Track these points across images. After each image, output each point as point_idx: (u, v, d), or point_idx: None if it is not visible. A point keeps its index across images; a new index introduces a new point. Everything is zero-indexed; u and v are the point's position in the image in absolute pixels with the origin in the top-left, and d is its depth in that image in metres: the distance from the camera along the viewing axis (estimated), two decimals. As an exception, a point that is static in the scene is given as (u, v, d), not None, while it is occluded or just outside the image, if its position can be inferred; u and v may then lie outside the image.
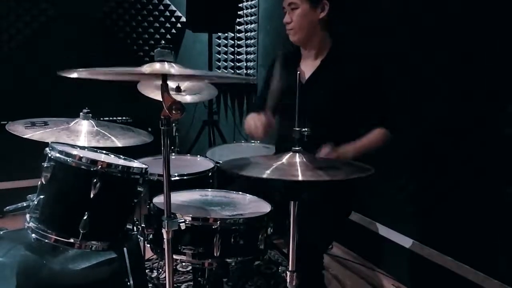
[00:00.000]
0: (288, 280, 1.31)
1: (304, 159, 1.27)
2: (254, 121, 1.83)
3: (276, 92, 1.80)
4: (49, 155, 1.49)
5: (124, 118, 3.51)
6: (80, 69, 1.23)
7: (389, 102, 1.88)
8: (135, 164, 1.66)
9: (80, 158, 1.45)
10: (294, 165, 1.24)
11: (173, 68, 1.26)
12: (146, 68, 1.26)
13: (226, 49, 3.86)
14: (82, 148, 1.66)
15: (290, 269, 1.30)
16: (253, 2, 3.54)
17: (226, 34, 3.82)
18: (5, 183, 3.25)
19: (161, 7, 3.88)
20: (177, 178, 1.94)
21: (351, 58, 1.86)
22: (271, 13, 3.38)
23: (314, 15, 1.82)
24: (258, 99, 2.23)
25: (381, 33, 2.39)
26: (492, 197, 1.94)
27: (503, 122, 1.88)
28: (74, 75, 1.25)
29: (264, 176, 1.18)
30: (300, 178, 1.18)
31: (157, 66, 1.26)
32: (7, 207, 1.64)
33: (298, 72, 1.40)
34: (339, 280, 2.50)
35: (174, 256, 1.38)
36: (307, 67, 1.91)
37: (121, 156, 1.72)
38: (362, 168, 1.31)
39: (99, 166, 1.44)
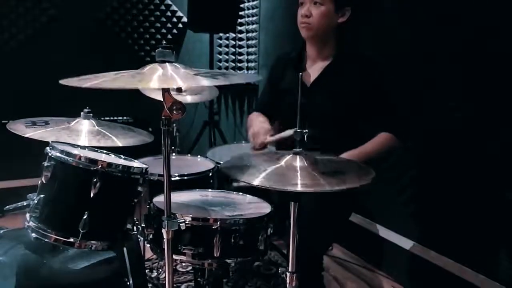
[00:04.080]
0: (288, 281, 1.31)
1: (305, 163, 1.26)
2: (257, 128, 1.85)
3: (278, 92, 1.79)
4: (50, 155, 1.49)
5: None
6: (83, 77, 1.22)
7: (395, 106, 1.86)
8: (136, 164, 1.66)
9: (80, 157, 1.45)
10: (294, 170, 1.23)
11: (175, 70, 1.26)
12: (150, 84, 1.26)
13: (227, 49, 3.87)
14: (83, 147, 1.66)
15: (290, 270, 1.30)
16: (254, 2, 3.54)
17: (228, 34, 3.82)
18: (6, 182, 3.25)
19: (163, 7, 3.88)
20: (177, 178, 1.93)
21: (356, 62, 1.84)
22: (272, 13, 3.38)
23: (334, 18, 1.80)
24: (259, 102, 2.22)
25: (385, 35, 2.39)
26: (493, 199, 1.94)
27: (504, 124, 1.88)
28: (75, 84, 1.23)
29: (257, 183, 1.17)
30: (299, 188, 1.16)
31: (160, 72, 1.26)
32: (7, 206, 1.65)
33: (300, 74, 1.39)
34: (339, 281, 2.50)
35: (174, 256, 1.38)
36: (313, 69, 1.89)
37: (122, 155, 1.71)
38: (365, 170, 1.30)
39: (100, 166, 1.44)
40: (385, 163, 2.34)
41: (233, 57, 3.84)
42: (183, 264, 2.42)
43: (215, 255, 1.41)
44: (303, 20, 1.81)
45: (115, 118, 3.45)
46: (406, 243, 2.40)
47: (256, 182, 1.18)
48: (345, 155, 1.71)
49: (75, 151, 1.55)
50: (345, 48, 1.89)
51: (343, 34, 1.88)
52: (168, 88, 1.22)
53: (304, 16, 1.80)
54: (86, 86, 1.19)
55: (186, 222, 1.35)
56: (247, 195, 1.72)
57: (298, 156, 1.28)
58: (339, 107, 1.80)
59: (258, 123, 1.92)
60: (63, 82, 1.22)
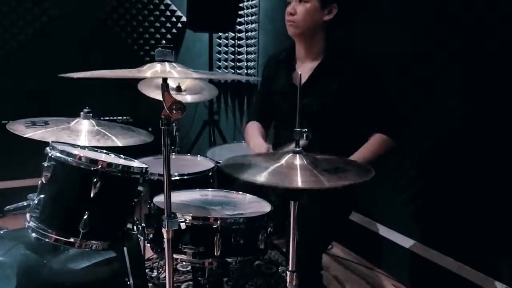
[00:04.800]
0: (288, 280, 1.31)
1: (305, 161, 1.26)
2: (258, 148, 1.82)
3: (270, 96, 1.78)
4: (50, 155, 1.49)
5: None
6: (81, 73, 1.23)
7: (390, 106, 1.85)
8: (136, 163, 1.66)
9: (81, 157, 1.45)
10: (295, 168, 1.23)
11: (174, 69, 1.27)
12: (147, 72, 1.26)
13: (226, 49, 3.87)
14: (83, 147, 1.66)
15: (290, 269, 1.30)
16: (253, 2, 3.54)
17: (227, 34, 3.82)
18: (6, 182, 3.26)
19: (162, 7, 3.88)
20: (177, 177, 1.94)
21: (348, 61, 1.82)
22: (271, 13, 3.38)
23: (320, 15, 1.78)
24: (254, 108, 2.21)
25: (380, 34, 2.39)
26: (493, 197, 1.94)
27: (504, 123, 1.88)
28: (74, 76, 1.25)
29: (260, 180, 1.17)
30: (299, 184, 1.16)
31: (157, 67, 1.26)
32: (8, 207, 1.65)
33: (300, 73, 1.39)
34: (339, 280, 2.50)
35: (174, 256, 1.38)
36: (303, 70, 1.84)
37: (122, 155, 1.72)
38: (365, 169, 1.30)
39: (100, 166, 1.44)
40: (385, 164, 2.34)
41: (233, 57, 3.84)
42: (184, 263, 2.42)
43: (215, 254, 1.41)
44: (289, 17, 1.79)
45: (115, 118, 3.45)
46: (406, 242, 2.40)
47: (260, 180, 1.17)
48: None
49: (75, 151, 1.55)
50: (335, 46, 1.86)
51: (332, 32, 1.86)
52: (168, 88, 1.22)
53: (289, 13, 1.78)
54: (85, 77, 1.19)
55: (187, 222, 1.35)
56: (247, 195, 1.73)
57: (298, 155, 1.28)
58: (332, 107, 1.79)
59: (256, 141, 1.89)
60: (62, 75, 1.22)
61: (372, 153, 1.77)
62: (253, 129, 2.01)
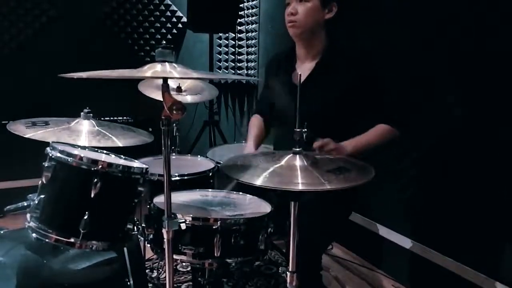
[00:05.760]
0: (288, 281, 1.31)
1: (305, 162, 1.26)
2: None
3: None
4: (50, 155, 1.49)
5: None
6: (81, 73, 1.23)
7: (391, 100, 1.84)
8: (136, 164, 1.66)
9: (81, 158, 1.45)
10: (295, 170, 1.23)
11: (174, 69, 1.27)
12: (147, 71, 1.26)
13: (227, 50, 3.87)
14: (83, 148, 1.66)
15: (290, 269, 1.30)
16: (254, 2, 3.54)
17: (227, 35, 3.82)
18: (6, 183, 3.26)
19: (162, 7, 3.88)
20: (177, 178, 1.94)
21: (347, 59, 1.82)
22: (272, 14, 3.38)
23: (321, 14, 1.79)
24: (259, 102, 2.22)
25: (380, 33, 2.39)
26: (493, 197, 1.94)
27: (504, 123, 1.88)
28: (74, 76, 1.25)
29: (258, 183, 1.17)
30: (300, 187, 1.16)
31: (158, 67, 1.26)
32: (8, 207, 1.65)
33: (299, 73, 1.39)
34: (339, 280, 2.50)
35: (174, 256, 1.38)
36: (303, 69, 1.86)
37: (122, 156, 1.72)
38: (366, 168, 1.30)
39: (100, 166, 1.44)
40: (385, 164, 2.34)
41: (233, 57, 3.84)
42: (184, 264, 2.43)
43: (215, 255, 1.41)
44: (290, 18, 1.79)
45: (115, 118, 3.45)
46: (406, 242, 2.40)
47: (258, 182, 1.17)
48: (340, 144, 1.69)
49: (76, 151, 1.55)
50: (335, 46, 1.85)
51: (332, 31, 1.86)
52: (168, 88, 1.22)
53: (290, 14, 1.79)
54: (85, 77, 1.20)
55: (187, 222, 1.35)
56: (247, 195, 1.73)
57: (297, 156, 1.28)
58: (331, 106, 1.78)
59: (248, 144, 1.96)
60: (62, 75, 1.23)
61: (372, 140, 1.77)
62: (253, 128, 2.05)
